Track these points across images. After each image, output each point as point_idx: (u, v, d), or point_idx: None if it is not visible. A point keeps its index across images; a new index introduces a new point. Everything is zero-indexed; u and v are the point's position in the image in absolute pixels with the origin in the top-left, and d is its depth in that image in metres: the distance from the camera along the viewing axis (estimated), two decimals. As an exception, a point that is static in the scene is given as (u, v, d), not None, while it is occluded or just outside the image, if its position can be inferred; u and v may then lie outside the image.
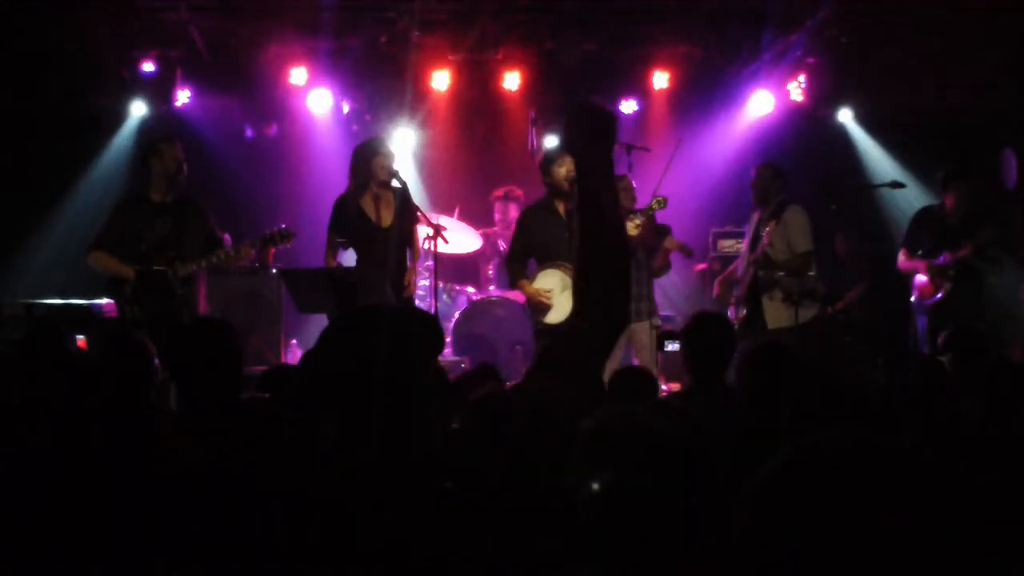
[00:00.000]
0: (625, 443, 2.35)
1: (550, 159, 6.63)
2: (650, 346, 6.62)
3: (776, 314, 7.02)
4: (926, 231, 7.27)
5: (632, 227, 6.63)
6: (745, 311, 7.21)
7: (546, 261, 6.68)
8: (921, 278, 7.28)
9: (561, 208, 6.59)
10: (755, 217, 7.45)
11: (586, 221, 2.21)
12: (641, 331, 6.67)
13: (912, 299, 7.42)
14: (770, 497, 1.22)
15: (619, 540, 2.25)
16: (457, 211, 8.42)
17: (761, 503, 1.23)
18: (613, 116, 2.27)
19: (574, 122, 2.19)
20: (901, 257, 7.42)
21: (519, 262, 6.79)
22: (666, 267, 7.15)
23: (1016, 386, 3.52)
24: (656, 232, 6.96)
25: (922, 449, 2.57)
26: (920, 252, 7.29)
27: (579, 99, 2.32)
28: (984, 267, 7.08)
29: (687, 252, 7.31)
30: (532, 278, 6.72)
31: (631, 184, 7.06)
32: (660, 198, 6.78)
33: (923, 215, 7.40)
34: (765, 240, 6.98)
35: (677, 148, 7.42)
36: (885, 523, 1.18)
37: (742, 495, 1.24)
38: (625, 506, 2.26)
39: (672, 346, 6.49)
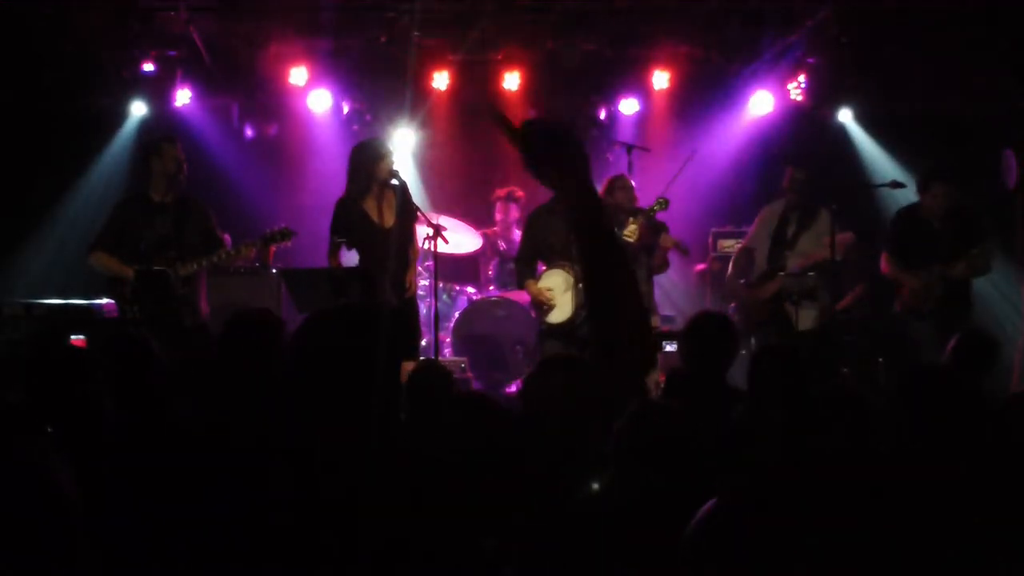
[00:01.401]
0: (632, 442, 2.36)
1: None
2: (650, 346, 6.64)
3: (806, 316, 7.04)
4: (914, 234, 6.98)
5: (631, 230, 6.64)
6: (766, 312, 7.22)
7: (552, 262, 6.73)
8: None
9: (566, 209, 6.61)
10: (776, 213, 7.41)
11: (580, 237, 2.11)
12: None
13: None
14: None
15: (619, 540, 2.25)
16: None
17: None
18: (564, 125, 2.17)
19: (528, 145, 2.09)
20: (885, 261, 7.09)
21: (526, 265, 6.90)
22: (664, 265, 7.15)
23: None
24: (652, 230, 6.97)
25: (926, 456, 2.57)
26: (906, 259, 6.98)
27: (526, 121, 2.11)
28: (976, 274, 6.97)
29: (683, 250, 7.30)
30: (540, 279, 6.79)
31: (630, 183, 7.06)
32: (663, 199, 6.81)
33: (907, 219, 7.10)
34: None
35: (688, 160, 7.45)
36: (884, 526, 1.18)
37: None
38: (625, 505, 2.27)
39: (672, 346, 6.49)
